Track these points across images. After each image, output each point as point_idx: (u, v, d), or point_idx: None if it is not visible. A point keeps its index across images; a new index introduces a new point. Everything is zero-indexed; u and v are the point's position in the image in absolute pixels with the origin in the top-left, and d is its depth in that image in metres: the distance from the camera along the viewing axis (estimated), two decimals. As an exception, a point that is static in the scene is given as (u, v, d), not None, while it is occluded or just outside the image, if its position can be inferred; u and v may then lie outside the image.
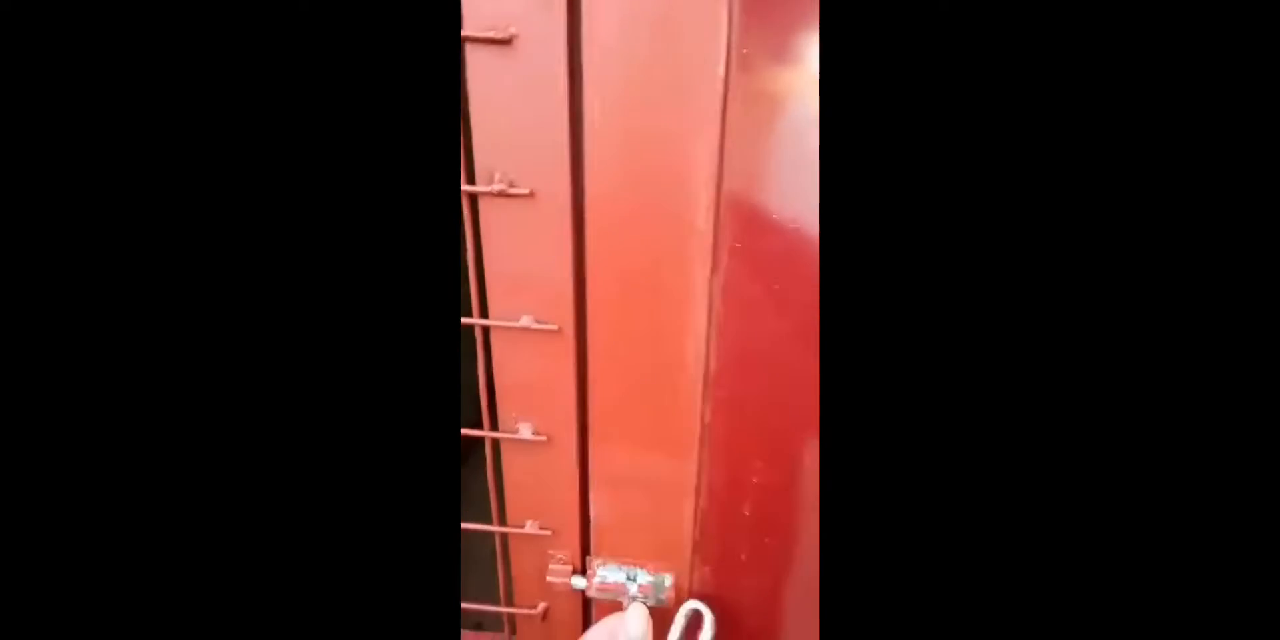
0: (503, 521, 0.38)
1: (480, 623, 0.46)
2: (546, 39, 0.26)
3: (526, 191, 0.28)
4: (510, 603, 0.41)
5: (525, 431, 0.35)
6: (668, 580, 0.38)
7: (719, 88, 0.26)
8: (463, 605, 0.41)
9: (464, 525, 0.39)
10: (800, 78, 0.27)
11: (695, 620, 0.37)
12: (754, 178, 0.28)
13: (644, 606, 0.36)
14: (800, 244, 0.30)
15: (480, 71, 0.27)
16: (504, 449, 0.36)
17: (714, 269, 0.30)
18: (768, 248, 0.30)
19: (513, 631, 0.44)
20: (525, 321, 0.32)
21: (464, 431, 0.35)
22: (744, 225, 0.29)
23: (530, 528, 0.38)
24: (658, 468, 0.35)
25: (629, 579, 0.39)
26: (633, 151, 0.28)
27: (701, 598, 0.38)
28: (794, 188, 0.28)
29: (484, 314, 0.32)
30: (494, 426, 0.35)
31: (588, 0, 0.25)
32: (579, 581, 0.39)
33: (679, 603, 0.38)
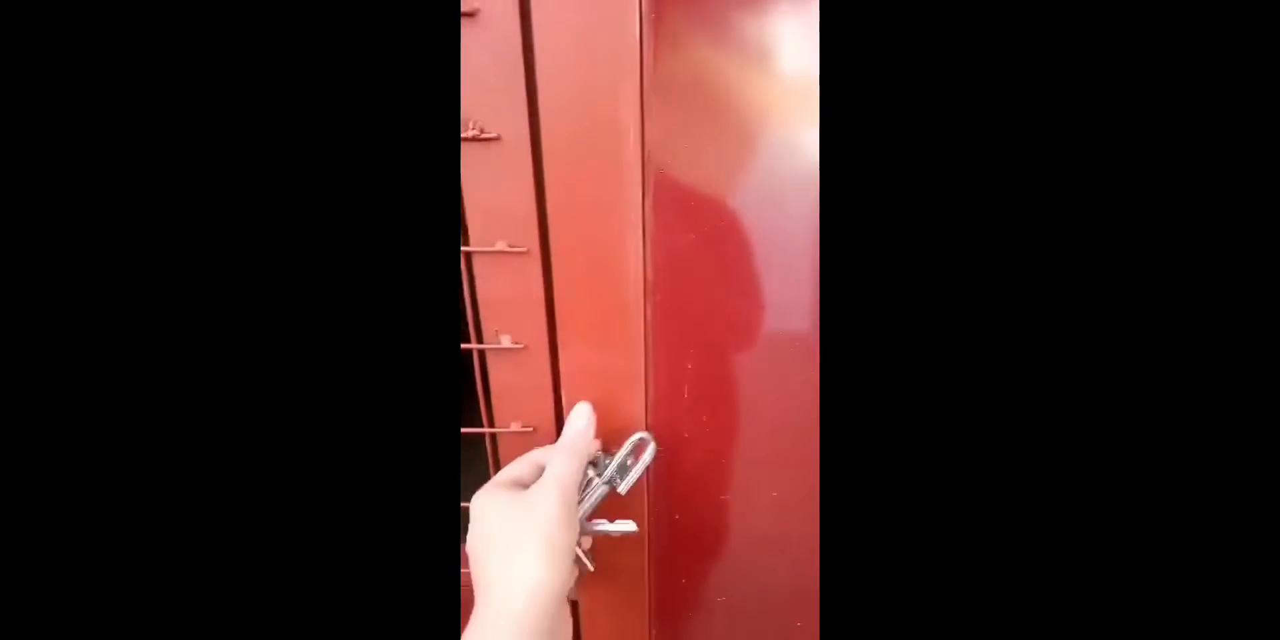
0: (491, 424, 0.46)
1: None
2: (503, 11, 0.34)
3: (495, 135, 0.36)
4: (500, 498, 0.49)
5: (505, 341, 0.43)
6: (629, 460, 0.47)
7: (636, 47, 0.35)
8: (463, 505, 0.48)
9: (462, 430, 0.46)
10: (698, 37, 0.36)
11: (640, 448, 0.44)
12: (669, 119, 0.37)
13: (588, 404, 0.42)
14: (708, 170, 0.39)
15: (453, 41, 0.34)
16: (489, 359, 0.44)
17: (644, 194, 0.39)
18: (683, 174, 0.39)
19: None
20: (500, 245, 0.39)
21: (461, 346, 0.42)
22: (664, 157, 0.38)
23: (515, 427, 0.46)
24: (614, 363, 0.44)
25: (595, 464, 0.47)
26: (576, 100, 0.36)
27: (655, 474, 0.47)
28: (704, 125, 0.37)
29: (466, 242, 0.40)
30: (479, 340, 0.43)
31: (534, -17, 0.33)
32: (558, 469, 0.47)
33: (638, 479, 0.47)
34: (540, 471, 0.41)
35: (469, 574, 0.42)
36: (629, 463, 0.44)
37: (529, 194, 0.38)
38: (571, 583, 0.41)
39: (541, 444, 0.47)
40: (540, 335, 0.43)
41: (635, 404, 0.45)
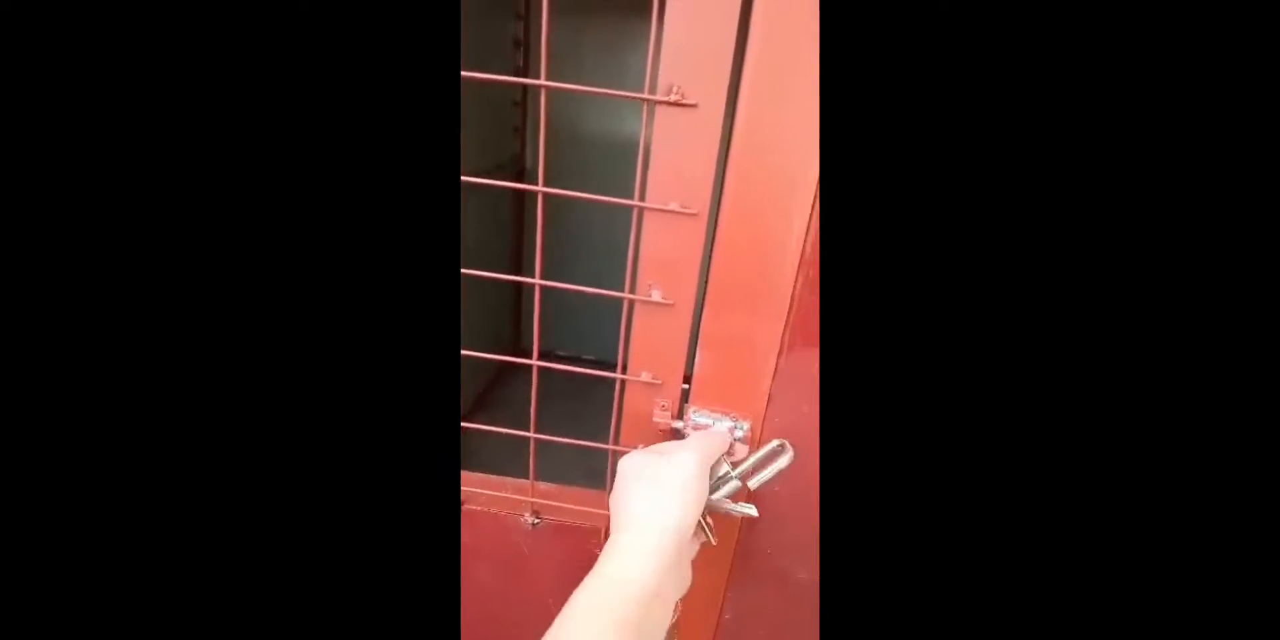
0: (624, 371, 0.50)
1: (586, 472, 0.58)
2: (729, -11, 0.36)
3: (693, 103, 0.39)
4: (618, 442, 0.53)
5: (656, 296, 0.46)
6: (746, 426, 0.50)
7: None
8: (575, 442, 0.52)
9: (592, 372, 0.50)
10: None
11: (774, 453, 0.48)
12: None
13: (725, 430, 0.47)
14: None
15: (671, 15, 0.37)
16: (636, 309, 0.47)
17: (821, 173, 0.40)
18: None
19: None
20: (673, 206, 0.42)
21: (608, 292, 0.46)
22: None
23: (644, 376, 0.49)
24: (753, 331, 0.46)
25: (715, 423, 0.50)
26: (779, 76, 0.38)
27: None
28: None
29: (642, 198, 0.43)
30: (633, 291, 0.46)
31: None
32: (677, 423, 0.50)
33: (753, 447, 0.50)
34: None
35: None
36: (763, 463, 0.47)
37: (711, 161, 0.41)
38: (695, 545, 0.45)
39: (665, 396, 0.51)
40: (689, 295, 0.46)
41: (763, 376, 0.48)
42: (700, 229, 0.43)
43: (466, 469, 0.57)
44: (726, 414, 0.50)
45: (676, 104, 0.39)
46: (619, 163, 1.42)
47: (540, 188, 0.43)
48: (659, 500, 0.40)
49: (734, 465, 0.47)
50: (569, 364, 0.50)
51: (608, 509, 0.56)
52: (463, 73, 0.39)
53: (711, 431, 0.49)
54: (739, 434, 0.50)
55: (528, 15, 1.20)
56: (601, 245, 1.50)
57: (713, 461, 0.45)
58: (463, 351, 0.49)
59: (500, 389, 1.53)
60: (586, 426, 0.68)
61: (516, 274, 1.61)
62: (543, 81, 0.39)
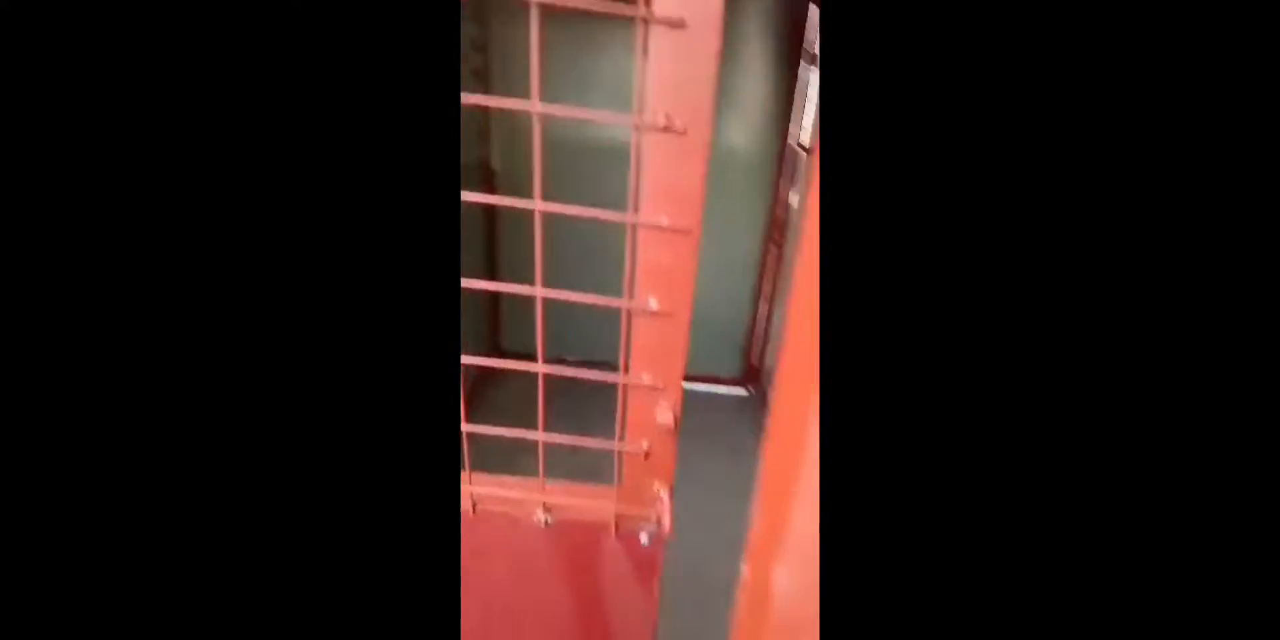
0: (627, 373, 0.53)
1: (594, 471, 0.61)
2: (706, 23, 0.40)
3: (682, 129, 0.43)
4: (623, 439, 0.56)
5: (653, 304, 0.49)
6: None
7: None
8: (584, 441, 0.56)
9: (596, 376, 0.53)
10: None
11: None
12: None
13: None
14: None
15: (658, 48, 0.41)
16: (635, 317, 0.51)
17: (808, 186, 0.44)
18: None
19: (621, 474, 0.59)
20: (664, 221, 0.46)
21: (608, 301, 0.50)
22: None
23: (646, 379, 0.53)
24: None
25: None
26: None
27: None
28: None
29: (634, 216, 0.46)
30: (632, 298, 0.50)
31: None
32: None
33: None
34: None
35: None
36: None
37: (699, 181, 0.45)
38: None
39: (666, 398, 0.54)
40: (684, 306, 0.49)
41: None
42: (691, 243, 0.47)
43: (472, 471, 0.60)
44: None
45: (667, 130, 0.43)
46: (590, 166, 1.43)
47: (537, 204, 0.46)
48: None
49: None
50: (557, 366, 0.54)
51: (616, 503, 0.59)
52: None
53: None
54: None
55: (486, 17, 1.22)
56: (577, 247, 1.49)
57: None
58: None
59: (484, 391, 1.54)
60: (574, 423, 0.71)
61: (490, 273, 1.63)
62: (535, 106, 0.43)
